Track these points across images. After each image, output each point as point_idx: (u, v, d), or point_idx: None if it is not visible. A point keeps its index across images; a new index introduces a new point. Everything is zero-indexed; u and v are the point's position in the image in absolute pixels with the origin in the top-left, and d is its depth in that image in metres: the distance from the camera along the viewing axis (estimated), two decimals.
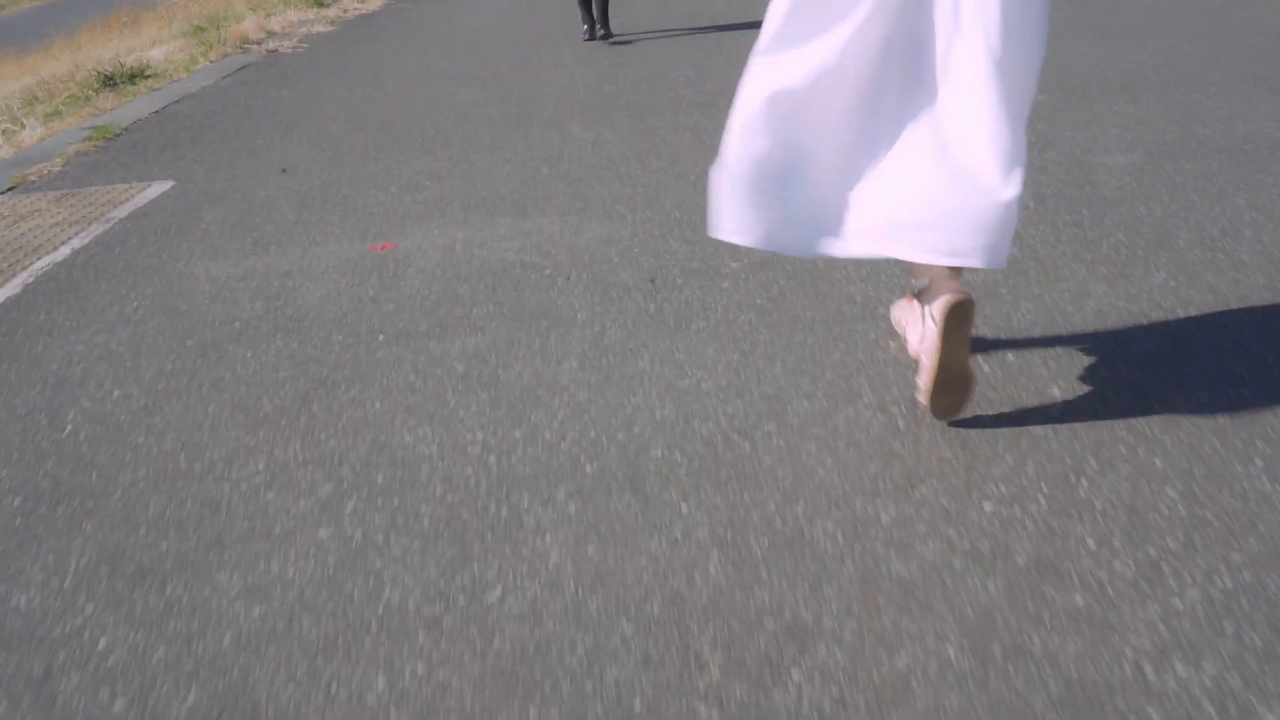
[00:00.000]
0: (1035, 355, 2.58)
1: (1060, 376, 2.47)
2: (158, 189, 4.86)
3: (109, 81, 8.01)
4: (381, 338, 3.02)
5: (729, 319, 2.92)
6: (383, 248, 3.76)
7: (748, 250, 3.34)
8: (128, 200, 4.70)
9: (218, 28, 12.04)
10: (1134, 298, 2.84)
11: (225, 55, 8.86)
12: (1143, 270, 3.01)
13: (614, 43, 7.42)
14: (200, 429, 2.61)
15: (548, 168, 4.59)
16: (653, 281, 3.23)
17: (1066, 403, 2.35)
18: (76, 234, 4.29)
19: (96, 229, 4.33)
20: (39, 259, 4.04)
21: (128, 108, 6.95)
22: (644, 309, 3.04)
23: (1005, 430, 2.26)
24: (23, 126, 6.67)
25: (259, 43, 9.39)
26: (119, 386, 2.90)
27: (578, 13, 7.72)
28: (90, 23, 34.53)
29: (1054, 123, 4.62)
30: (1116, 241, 3.25)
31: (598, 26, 7.62)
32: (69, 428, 2.70)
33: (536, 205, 4.08)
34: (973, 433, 2.27)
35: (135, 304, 3.49)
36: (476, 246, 3.68)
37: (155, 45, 11.90)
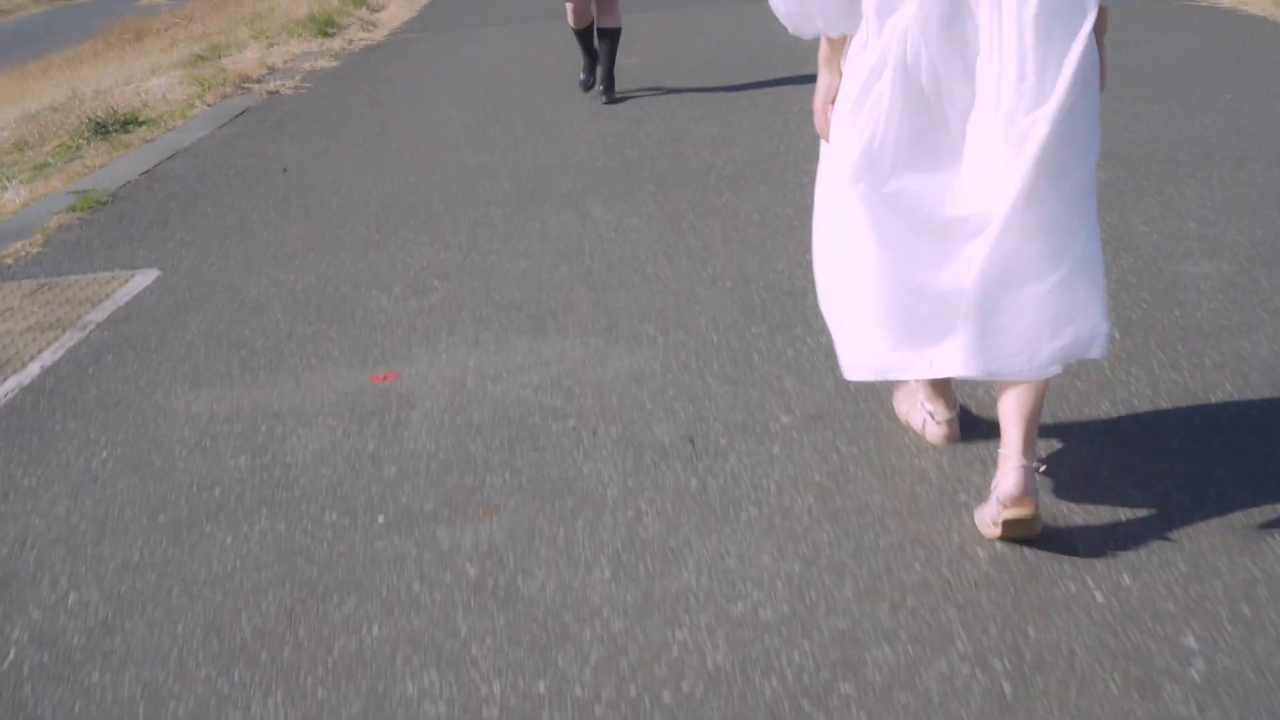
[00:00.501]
0: (1158, 582, 2.17)
1: (1193, 615, 2.05)
2: (142, 280, 4.46)
3: (101, 130, 7.62)
4: (381, 519, 2.62)
5: (784, 505, 2.51)
6: (384, 378, 3.35)
7: (797, 398, 2.93)
8: (108, 297, 4.31)
9: (219, 57, 11.67)
10: (1261, 485, 2.43)
11: (224, 97, 8.46)
12: (1263, 444, 2.59)
13: (618, 99, 6.87)
14: (166, 663, 2.21)
15: (566, 264, 4.18)
16: (692, 443, 2.82)
17: (1209, 665, 1.94)
18: (49, 344, 3.89)
19: (71, 338, 3.93)
20: (5, 380, 3.65)
21: (118, 165, 6.55)
22: (684, 484, 2.64)
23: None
24: (5, 188, 6.28)
25: (259, 81, 9.00)
26: (76, 587, 2.49)
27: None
28: (93, 36, 34.25)
29: (1123, 213, 4.21)
30: (1225, 395, 2.83)
31: (598, 83, 6.85)
32: (11, 654, 2.30)
33: (556, 319, 3.68)
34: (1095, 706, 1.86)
35: (105, 454, 3.08)
36: (490, 380, 3.28)
37: (154, 74, 11.53)
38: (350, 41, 10.92)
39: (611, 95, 6.81)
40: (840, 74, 2.34)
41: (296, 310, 3.99)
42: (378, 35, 11.42)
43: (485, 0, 13.64)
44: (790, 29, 2.39)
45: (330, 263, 4.46)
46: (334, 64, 9.64)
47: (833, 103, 2.36)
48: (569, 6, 6.51)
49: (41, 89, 19.59)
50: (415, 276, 4.21)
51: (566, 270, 4.12)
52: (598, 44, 6.78)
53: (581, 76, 7.02)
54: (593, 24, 6.66)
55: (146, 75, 11.70)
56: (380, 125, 6.93)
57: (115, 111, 7.91)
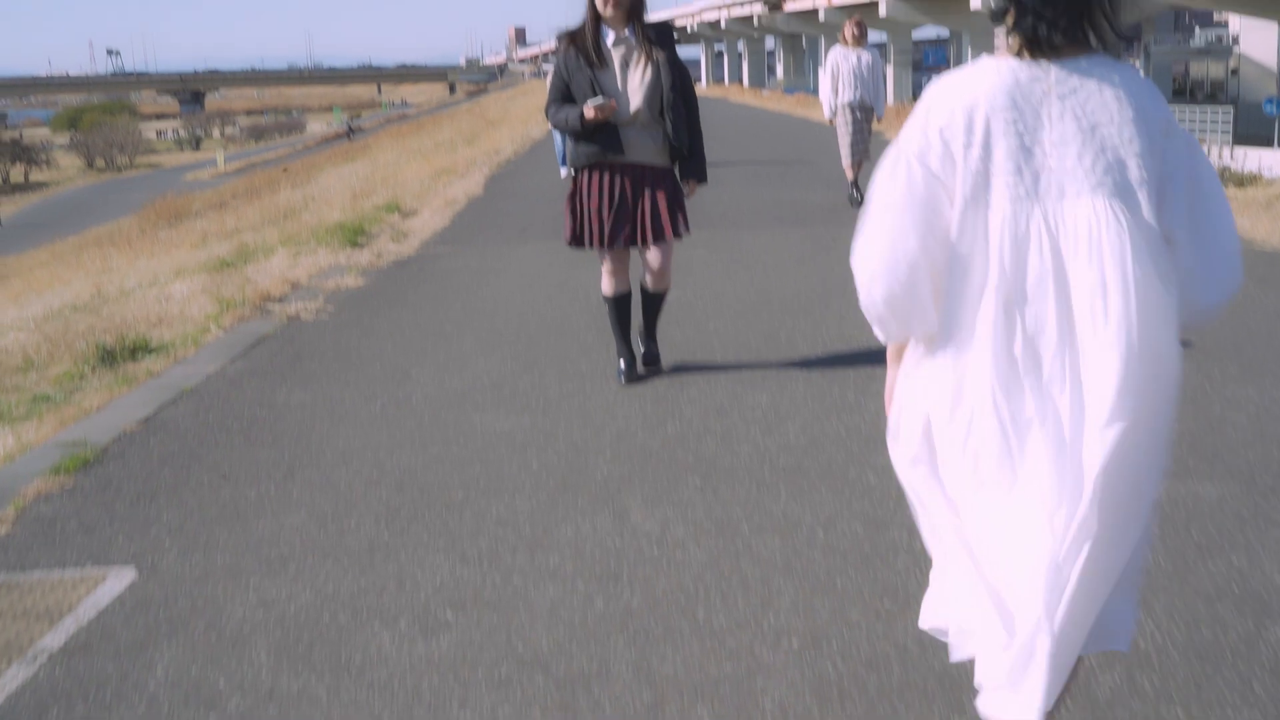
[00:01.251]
0: None
1: None
2: (114, 586, 3.88)
3: (108, 357, 7.17)
4: None
5: None
6: None
7: None
8: (71, 610, 3.73)
9: (245, 262, 11.35)
10: None
11: (242, 319, 8.03)
12: None
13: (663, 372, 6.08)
14: None
15: (602, 597, 3.58)
16: None
17: None
18: None
19: (17, 675, 3.34)
20: None
21: (117, 407, 6.06)
22: None
23: None
24: None
25: (280, 301, 8.59)
26: None
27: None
28: (133, 212, 34.55)
29: (1251, 552, 3.60)
30: None
31: (638, 362, 6.00)
32: None
33: (589, 691, 3.06)
34: None
35: None
36: None
37: (179, 277, 11.22)
38: (379, 255, 10.57)
39: (653, 351, 6.08)
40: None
41: (283, 650, 3.38)
42: (408, 247, 11.09)
43: (521, 209, 13.41)
44: (881, 335, 2.40)
45: (330, 573, 3.88)
46: (360, 283, 9.25)
47: None
48: (604, 267, 5.91)
49: (72, 275, 19.51)
50: (426, 603, 3.62)
51: (602, 605, 3.52)
52: (642, 302, 5.97)
53: (621, 367, 5.96)
54: (629, 294, 5.94)
55: (171, 278, 11.39)
56: (401, 371, 6.44)
57: (125, 338, 7.47)
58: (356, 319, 7.90)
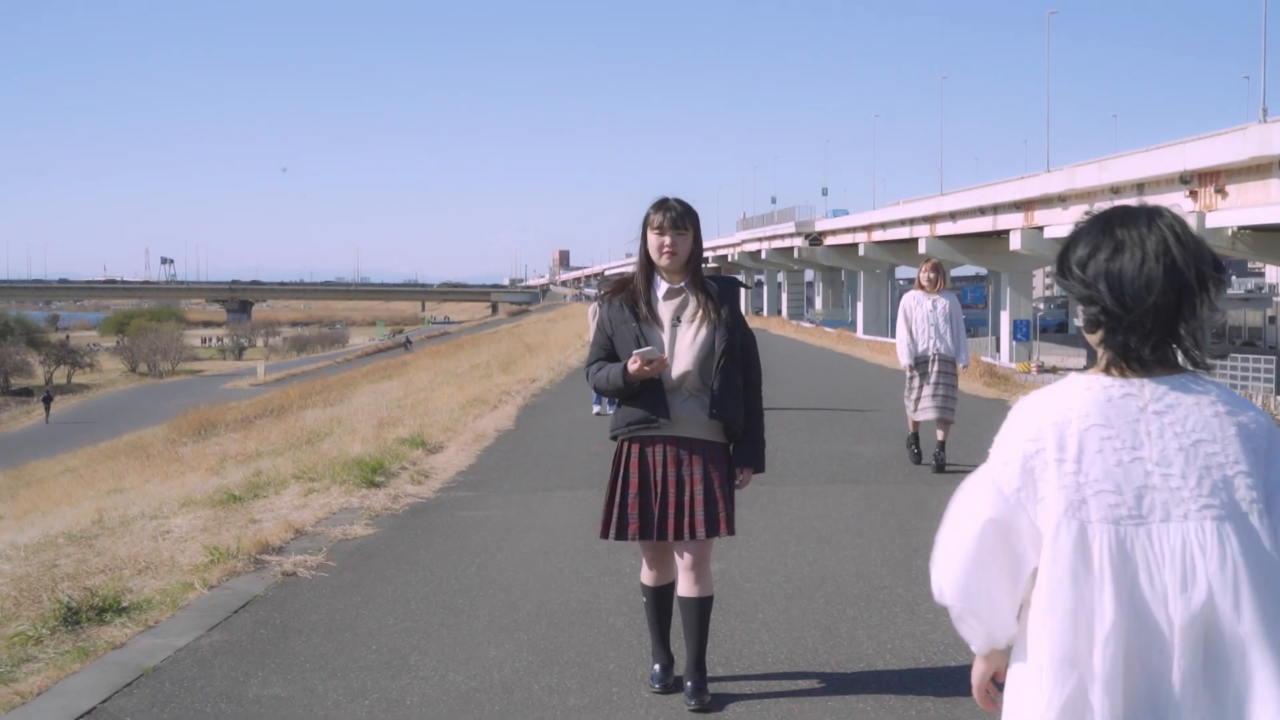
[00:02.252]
0: None
1: None
2: None
3: (72, 618, 6.29)
4: None
5: None
6: None
7: None
8: None
9: (255, 496, 10.56)
10: None
11: (233, 574, 7.16)
12: None
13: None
14: None
15: None
16: None
17: None
18: None
19: None
20: None
21: (59, 693, 5.15)
22: None
23: None
24: None
25: (279, 551, 7.73)
26: None
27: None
28: (165, 420, 34.13)
29: None
30: None
31: (682, 678, 4.89)
32: None
33: None
34: None
35: None
36: None
37: (184, 508, 10.41)
38: (395, 498, 9.74)
39: (703, 699, 4.74)
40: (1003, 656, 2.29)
41: None
42: (428, 489, 10.27)
43: (552, 449, 12.63)
44: (965, 633, 2.31)
45: None
46: (369, 532, 8.39)
47: (996, 683, 2.34)
48: (645, 555, 5.01)
49: (84, 493, 18.80)
50: None
51: None
52: (681, 615, 4.84)
53: (655, 671, 4.99)
54: (674, 584, 4.94)
55: (176, 508, 10.59)
56: (400, 658, 5.51)
57: (95, 594, 6.59)
58: (358, 581, 7.00)
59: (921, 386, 10.90)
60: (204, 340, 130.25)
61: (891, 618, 5.99)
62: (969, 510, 2.21)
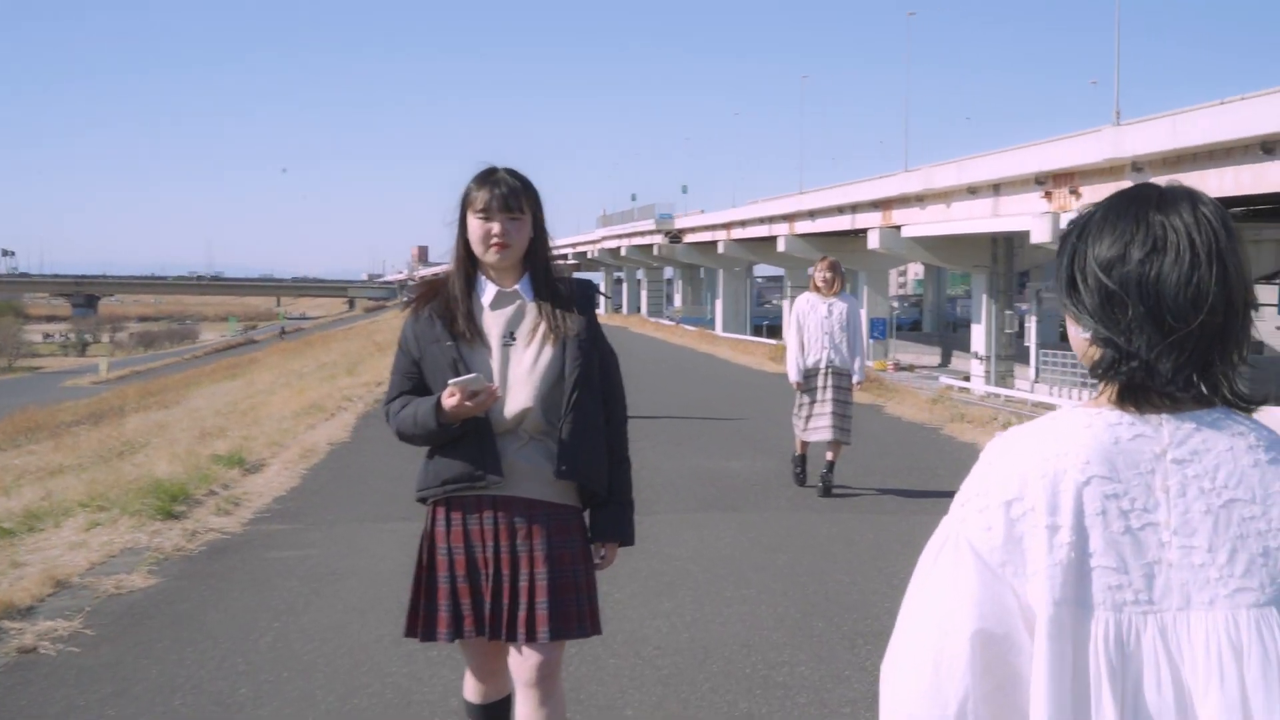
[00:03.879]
0: None
1: None
2: None
3: None
4: None
5: None
6: None
7: None
8: None
9: (30, 529, 8.92)
10: None
11: None
12: None
13: None
14: None
15: None
16: None
17: None
18: None
19: None
20: None
21: None
22: None
23: None
24: None
25: (27, 613, 6.17)
26: None
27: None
28: None
29: None
30: None
31: None
32: None
33: None
34: None
35: None
36: None
37: None
38: (194, 534, 8.18)
39: None
40: None
41: None
42: (235, 521, 8.73)
43: (389, 467, 11.14)
44: None
45: None
46: (150, 582, 6.86)
47: None
48: (468, 665, 3.65)
49: None
50: None
51: None
52: None
53: None
54: (510, 699, 3.61)
55: None
56: None
57: None
58: (116, 659, 5.49)
59: (813, 404, 9.64)
60: (46, 336, 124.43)
61: (798, 712, 4.72)
62: (946, 613, 1.58)
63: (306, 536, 8.22)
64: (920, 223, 49.22)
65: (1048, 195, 41.02)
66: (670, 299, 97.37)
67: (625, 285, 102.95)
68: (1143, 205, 1.61)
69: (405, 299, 3.68)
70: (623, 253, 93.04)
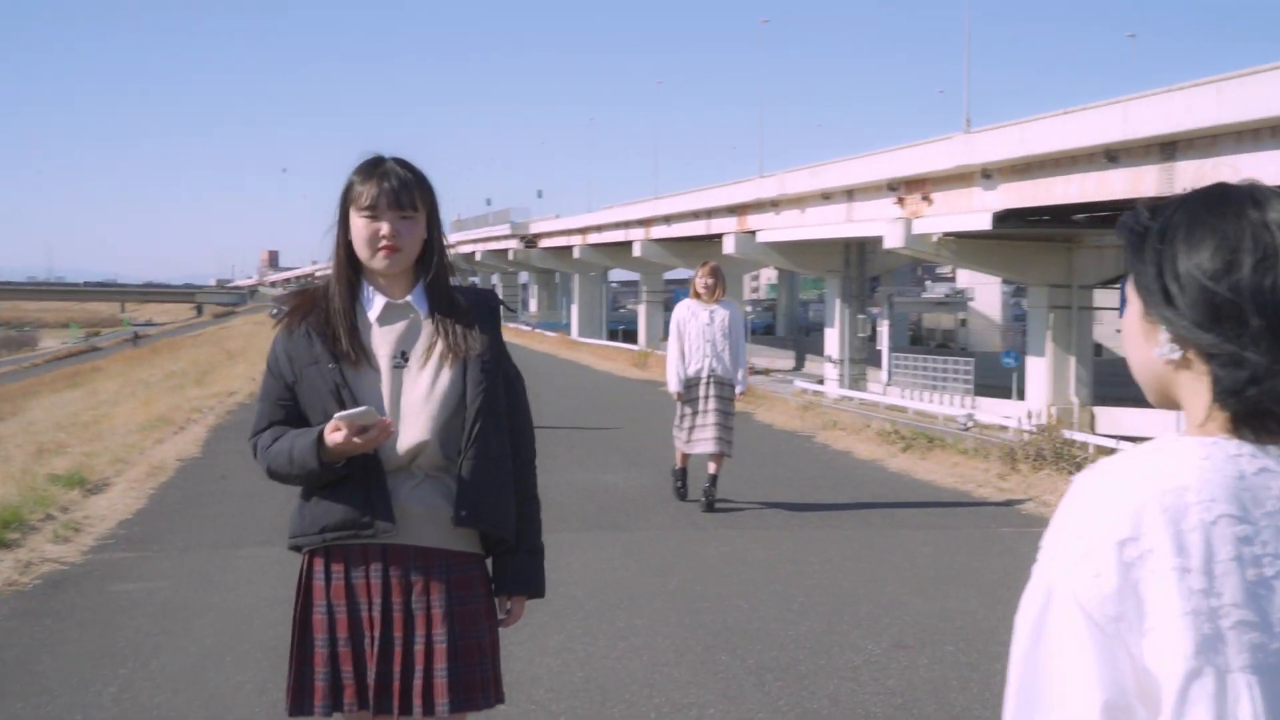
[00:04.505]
0: None
1: None
2: None
3: None
4: None
5: None
6: None
7: None
8: None
9: None
10: None
11: None
12: None
13: None
14: None
15: None
16: None
17: None
18: None
19: None
20: None
21: None
22: None
23: None
24: None
25: None
26: None
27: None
28: None
29: None
30: None
31: None
32: None
33: None
34: None
35: None
36: None
37: None
38: (28, 565, 7.47)
39: None
40: None
41: None
42: (75, 549, 8.01)
43: (245, 486, 10.46)
44: None
45: None
46: None
47: None
48: None
49: None
50: None
51: None
52: None
53: None
54: None
55: None
56: None
57: None
58: None
59: (695, 415, 9.27)
60: None
61: None
62: (1065, 694, 1.33)
63: (155, 566, 7.57)
64: (775, 228, 49.58)
65: (900, 201, 41.59)
66: (526, 304, 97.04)
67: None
68: (1237, 205, 1.42)
69: (275, 311, 3.17)
70: (478, 257, 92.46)
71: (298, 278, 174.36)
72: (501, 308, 3.17)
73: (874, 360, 54.46)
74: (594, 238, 68.77)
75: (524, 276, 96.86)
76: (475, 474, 2.90)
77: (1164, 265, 1.42)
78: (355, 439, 2.73)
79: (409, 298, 2.97)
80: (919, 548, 7.88)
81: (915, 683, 5.14)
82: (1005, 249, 40.94)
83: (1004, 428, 27.40)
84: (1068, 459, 10.32)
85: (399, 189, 2.89)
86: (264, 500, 9.73)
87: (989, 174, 36.53)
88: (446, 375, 2.91)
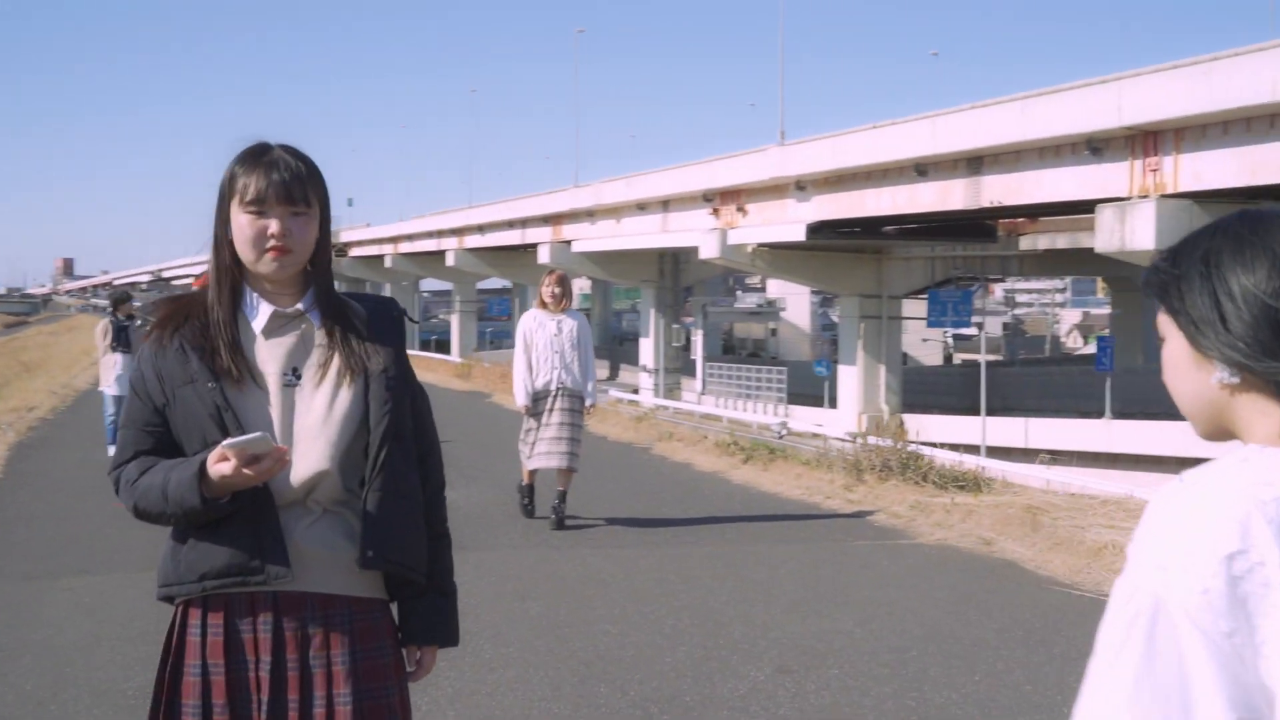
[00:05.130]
0: None
1: None
2: None
3: None
4: None
5: None
6: None
7: None
8: None
9: None
10: None
11: None
12: None
13: None
14: None
15: None
16: None
17: None
18: None
19: None
20: None
21: None
22: None
23: None
24: None
25: None
26: None
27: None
28: None
29: None
30: None
31: None
32: None
33: None
34: None
35: None
36: None
37: None
38: None
39: None
40: None
41: None
42: None
43: (58, 511, 9.69)
44: None
45: None
46: None
47: None
48: None
49: None
50: None
51: None
52: None
53: None
54: None
55: None
56: None
57: None
58: None
59: (541, 428, 8.93)
60: None
61: None
62: (1140, 678, 1.31)
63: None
64: (591, 238, 49.53)
65: (715, 212, 41.97)
66: None
67: None
68: (1275, 226, 1.45)
69: (142, 321, 2.73)
70: None
71: (94, 286, 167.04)
72: (405, 318, 2.81)
73: (689, 370, 54.92)
74: (406, 247, 67.84)
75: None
76: (383, 508, 2.53)
77: (1218, 290, 1.43)
78: (245, 470, 2.35)
79: (299, 305, 2.58)
80: (781, 564, 7.73)
81: (807, 710, 4.94)
82: (818, 260, 41.69)
83: (837, 438, 27.82)
84: (915, 469, 10.34)
85: (290, 181, 2.51)
86: (79, 523, 9.03)
87: (803, 186, 37.12)
88: (346, 394, 2.54)
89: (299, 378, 2.54)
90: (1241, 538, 1.32)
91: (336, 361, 2.55)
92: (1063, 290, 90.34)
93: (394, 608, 2.67)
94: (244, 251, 2.51)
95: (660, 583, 7.16)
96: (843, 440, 28.70)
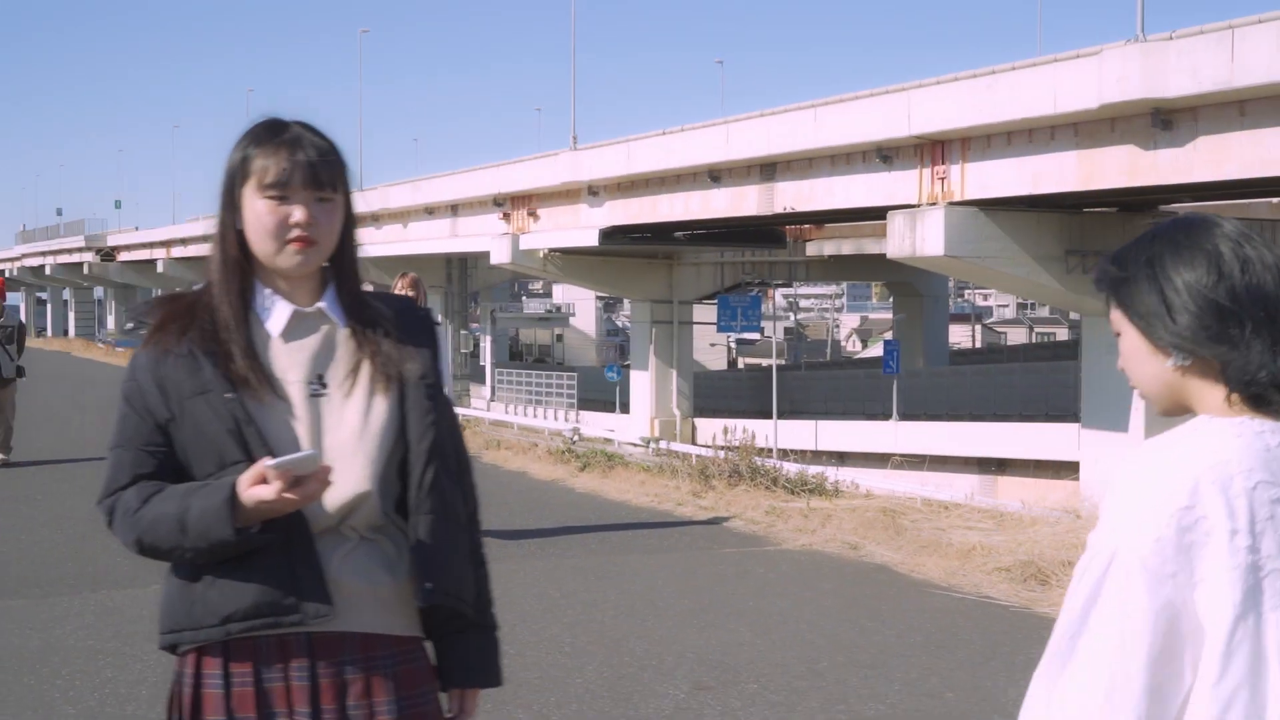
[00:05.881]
0: None
1: None
2: None
3: None
4: None
5: None
6: None
7: None
8: None
9: None
10: None
11: None
12: None
13: None
14: None
15: None
16: None
17: None
18: None
19: None
20: None
21: None
22: None
23: None
24: None
25: None
26: None
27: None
28: None
29: None
30: None
31: None
32: None
33: None
34: None
35: None
36: None
37: None
38: None
39: None
40: None
41: None
42: None
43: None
44: None
45: None
46: None
47: None
48: None
49: None
50: None
51: None
52: None
53: None
54: None
55: None
56: None
57: None
58: None
59: None
60: None
61: None
62: (1124, 633, 1.55)
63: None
64: (376, 243, 48.56)
65: (506, 217, 41.68)
66: (103, 321, 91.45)
67: (50, 306, 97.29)
68: (1206, 229, 1.68)
69: (134, 324, 2.36)
70: (47, 271, 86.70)
71: None
72: (434, 319, 2.50)
73: (477, 376, 54.40)
74: (179, 251, 65.43)
75: (99, 292, 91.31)
76: (436, 534, 2.24)
77: (1164, 287, 1.64)
78: (288, 494, 2.03)
79: (321, 304, 2.26)
80: (656, 574, 7.55)
81: None
82: (610, 265, 41.83)
83: (630, 443, 27.81)
84: (764, 475, 10.31)
85: (317, 163, 2.19)
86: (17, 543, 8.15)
87: (596, 191, 37.12)
88: (381, 405, 2.23)
89: (325, 386, 2.22)
90: (1190, 494, 1.57)
91: (367, 368, 2.24)
92: (840, 295, 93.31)
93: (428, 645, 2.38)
94: (260, 243, 2.18)
95: (540, 598, 6.89)
96: (635, 445, 28.85)
